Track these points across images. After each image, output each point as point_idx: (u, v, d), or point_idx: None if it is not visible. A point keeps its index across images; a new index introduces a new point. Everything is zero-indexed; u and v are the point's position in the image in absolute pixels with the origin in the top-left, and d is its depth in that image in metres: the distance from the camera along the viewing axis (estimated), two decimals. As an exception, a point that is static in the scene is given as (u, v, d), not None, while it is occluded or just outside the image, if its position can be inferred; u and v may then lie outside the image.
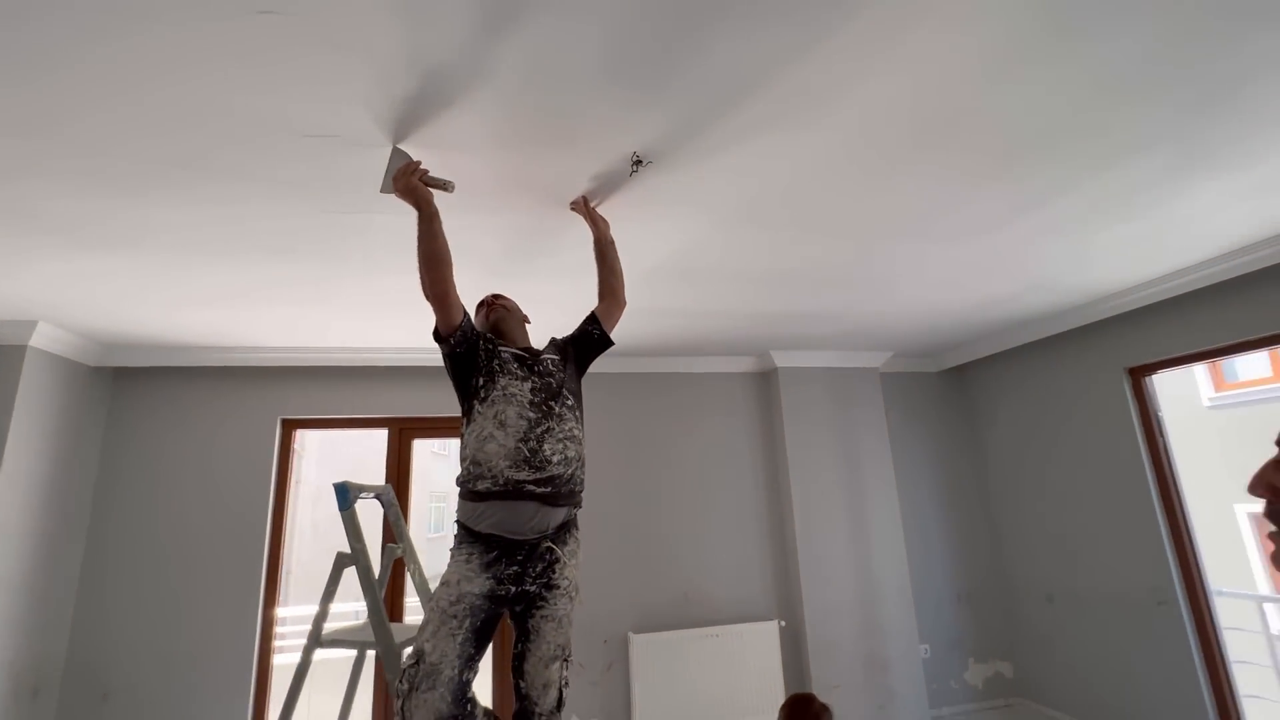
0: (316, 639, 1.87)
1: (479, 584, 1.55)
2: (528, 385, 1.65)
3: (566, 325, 3.37)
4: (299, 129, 1.59)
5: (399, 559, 2.08)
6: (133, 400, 3.54)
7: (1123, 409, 3.50)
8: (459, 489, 1.62)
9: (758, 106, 1.61)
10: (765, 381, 4.44)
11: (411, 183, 1.57)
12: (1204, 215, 2.37)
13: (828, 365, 4.34)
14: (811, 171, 1.95)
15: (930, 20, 1.35)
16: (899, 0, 1.29)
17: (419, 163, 1.57)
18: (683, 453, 4.17)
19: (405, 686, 1.46)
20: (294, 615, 6.07)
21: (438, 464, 16.45)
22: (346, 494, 1.83)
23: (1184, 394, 7.04)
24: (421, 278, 1.61)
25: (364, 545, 1.80)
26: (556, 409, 1.65)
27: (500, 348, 1.73)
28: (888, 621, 4.00)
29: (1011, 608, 4.31)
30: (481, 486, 1.56)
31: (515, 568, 1.58)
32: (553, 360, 1.77)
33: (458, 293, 1.66)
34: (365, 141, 1.65)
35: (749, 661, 3.76)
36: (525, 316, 1.95)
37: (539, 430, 1.59)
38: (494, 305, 1.89)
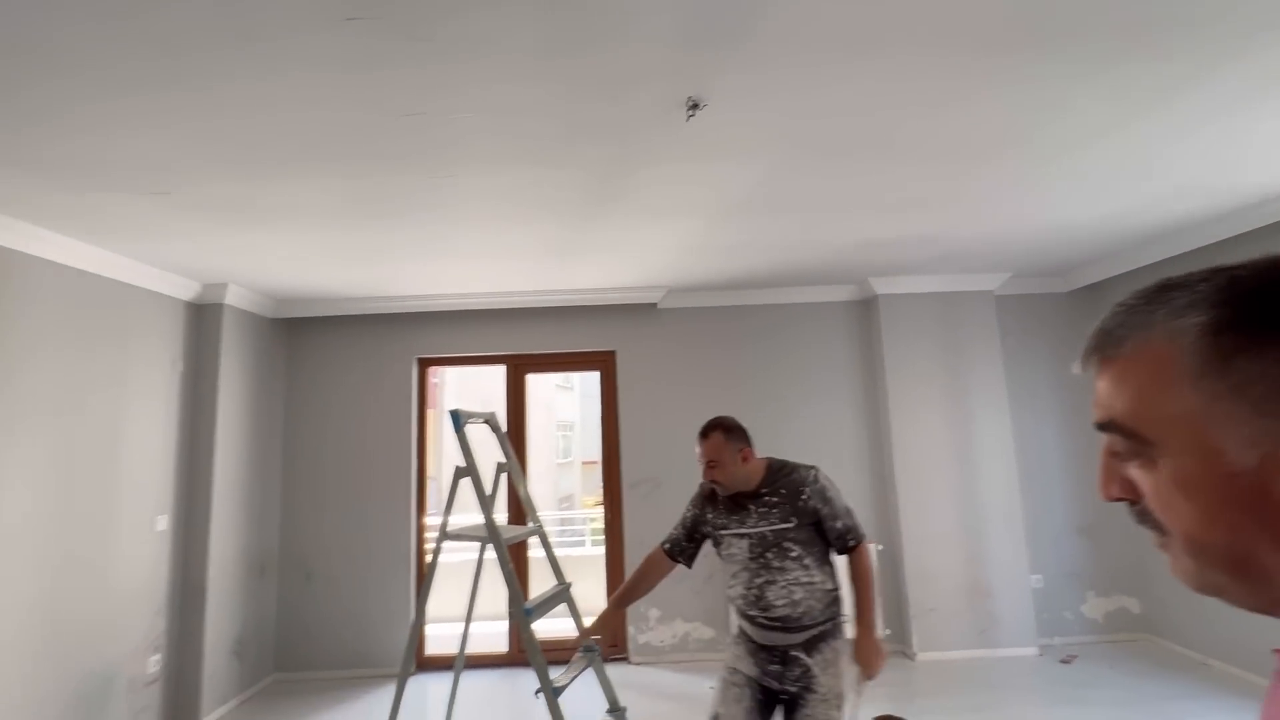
0: (444, 534, 2.30)
1: (747, 665, 1.88)
2: (745, 543, 1.87)
3: (655, 265, 3.56)
4: (397, 110, 1.84)
5: (508, 474, 2.45)
6: (303, 345, 4.27)
7: None
8: None
9: (813, 40, 1.60)
10: (865, 310, 4.33)
11: None
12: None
13: (934, 290, 4.13)
14: (881, 99, 1.89)
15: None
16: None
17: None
18: (775, 383, 4.24)
19: None
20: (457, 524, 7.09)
21: (561, 396, 17.62)
22: (458, 419, 2.18)
23: None
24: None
25: (474, 461, 2.16)
26: (775, 562, 1.83)
27: (716, 529, 1.95)
28: (994, 550, 3.93)
29: (1141, 543, 4.02)
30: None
31: (776, 666, 1.84)
32: (774, 507, 1.85)
33: (655, 576, 2.08)
34: (451, 115, 1.87)
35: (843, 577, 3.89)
36: (740, 452, 1.91)
37: (758, 581, 1.84)
38: (709, 475, 1.93)
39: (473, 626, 5.14)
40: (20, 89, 1.65)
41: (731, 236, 3.13)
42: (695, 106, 1.88)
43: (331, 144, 2.02)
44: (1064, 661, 3.70)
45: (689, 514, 2.04)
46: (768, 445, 4.12)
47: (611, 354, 4.33)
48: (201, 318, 3.62)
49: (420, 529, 4.21)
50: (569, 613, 2.41)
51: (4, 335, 2.51)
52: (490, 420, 2.41)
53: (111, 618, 2.95)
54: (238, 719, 3.44)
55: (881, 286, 4.12)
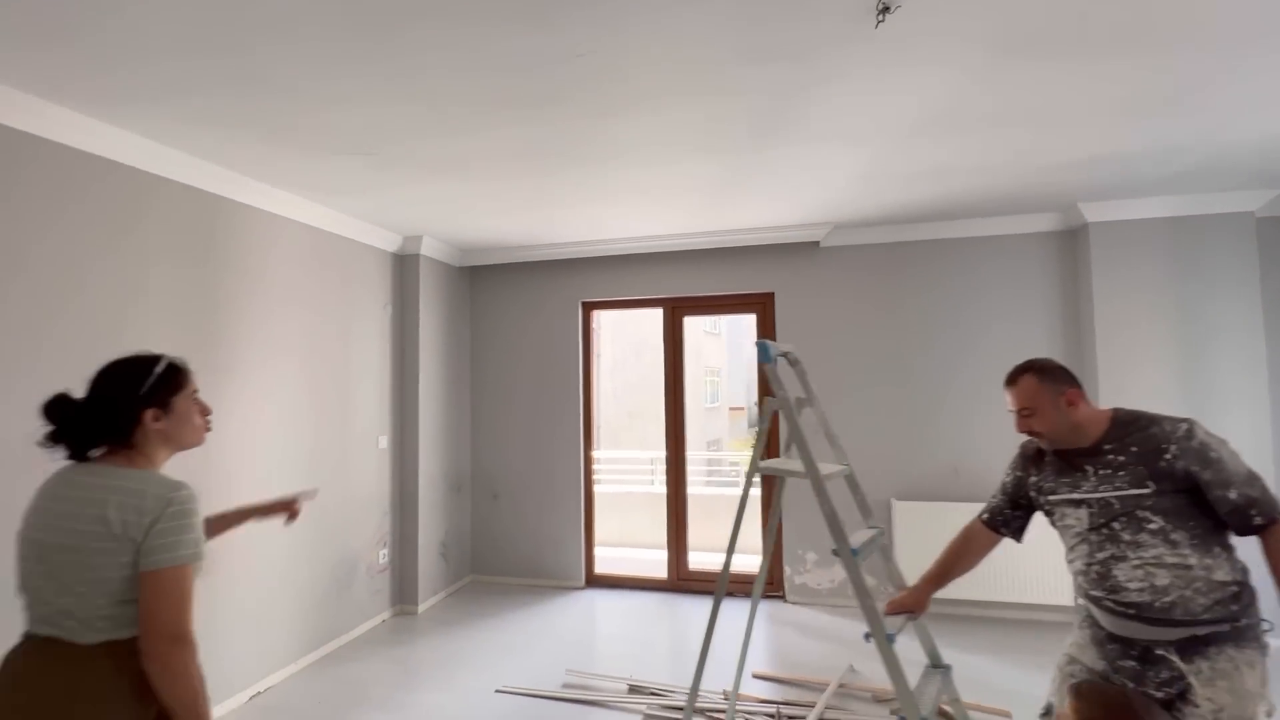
0: (754, 468, 2.21)
1: (1090, 656, 1.53)
2: (1084, 511, 1.51)
3: (821, 199, 3.36)
4: (567, 51, 1.89)
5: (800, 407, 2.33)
6: (483, 290, 4.70)
7: None
8: None
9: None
10: (1070, 241, 3.74)
11: None
12: None
13: (1167, 214, 3.45)
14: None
15: None
16: None
17: None
18: (952, 329, 3.87)
19: None
20: (604, 457, 7.73)
21: (710, 341, 17.70)
22: (768, 350, 2.03)
23: None
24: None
25: (786, 393, 2.05)
26: (1125, 535, 1.45)
27: (1043, 494, 1.62)
28: (1230, 523, 3.33)
29: None
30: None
31: (1131, 663, 1.46)
32: (1121, 468, 1.45)
33: (975, 551, 1.82)
34: (619, 51, 1.88)
35: (1025, 544, 3.56)
36: (1064, 395, 1.53)
37: (1101, 555, 1.48)
38: (1024, 426, 1.60)
39: (636, 553, 5.48)
40: (270, 71, 1.93)
41: (913, 162, 2.84)
42: (885, 10, 1.69)
43: (506, 93, 2.12)
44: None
45: (1008, 478, 1.72)
46: (942, 401, 3.84)
47: (770, 295, 4.22)
48: (403, 267, 4.12)
49: (588, 461, 4.54)
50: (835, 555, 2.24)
51: (262, 281, 3.07)
52: (789, 354, 2.25)
53: (353, 516, 3.60)
54: (447, 607, 4.07)
55: (1094, 213, 3.52)
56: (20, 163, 2.11)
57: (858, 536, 1.98)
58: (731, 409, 21.22)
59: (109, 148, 2.36)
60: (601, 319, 14.02)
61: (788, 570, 4.08)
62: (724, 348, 20.36)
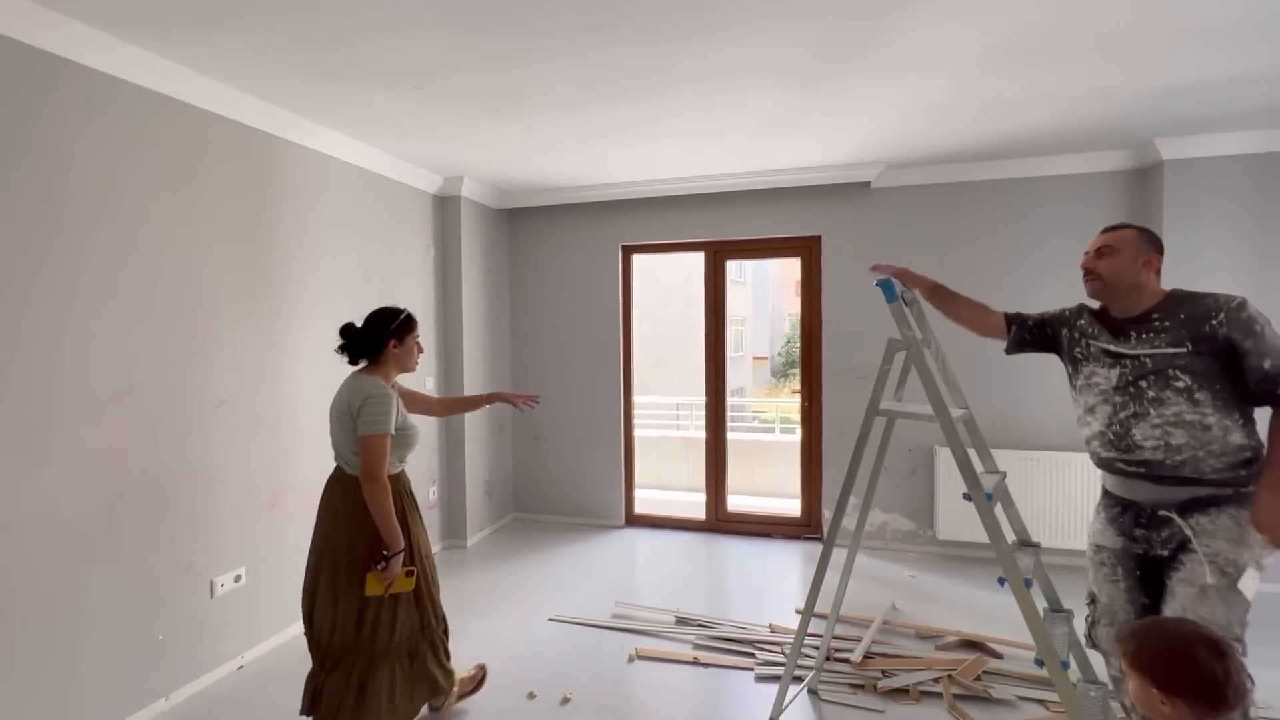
0: (874, 410, 2.17)
1: (1109, 538, 1.66)
2: (1115, 371, 1.60)
3: (879, 134, 3.21)
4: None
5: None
6: (522, 234, 4.65)
7: None
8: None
9: None
10: (1141, 181, 3.55)
11: None
12: None
13: (1257, 150, 3.24)
14: None
15: None
16: None
17: None
18: (1013, 267, 3.75)
19: (1089, 620, 1.73)
20: (635, 402, 7.75)
21: (734, 290, 17.52)
22: (893, 288, 1.97)
23: None
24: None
25: (914, 334, 2.00)
26: (1151, 392, 1.52)
27: (1085, 336, 1.71)
28: None
29: None
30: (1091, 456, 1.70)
31: (1141, 530, 1.59)
32: (1163, 331, 1.53)
33: (981, 318, 1.99)
34: (693, -30, 1.77)
35: (1070, 490, 3.56)
36: (1147, 258, 1.60)
37: (1123, 415, 1.56)
38: (1089, 263, 1.68)
39: (668, 495, 5.59)
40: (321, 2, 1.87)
41: (988, 92, 2.68)
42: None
43: (560, 20, 2.03)
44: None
45: (1056, 310, 1.85)
46: (992, 347, 3.73)
47: (816, 239, 4.11)
48: (444, 209, 4.08)
49: (628, 405, 4.59)
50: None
51: (311, 221, 3.07)
52: (906, 294, 2.15)
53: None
54: (493, 542, 4.23)
55: (1170, 149, 3.32)
56: (94, 101, 2.09)
57: (988, 480, 1.97)
58: (755, 358, 21.14)
59: (174, 87, 2.34)
60: (632, 262, 13.85)
61: (826, 514, 4.14)
62: (749, 296, 20.11)
